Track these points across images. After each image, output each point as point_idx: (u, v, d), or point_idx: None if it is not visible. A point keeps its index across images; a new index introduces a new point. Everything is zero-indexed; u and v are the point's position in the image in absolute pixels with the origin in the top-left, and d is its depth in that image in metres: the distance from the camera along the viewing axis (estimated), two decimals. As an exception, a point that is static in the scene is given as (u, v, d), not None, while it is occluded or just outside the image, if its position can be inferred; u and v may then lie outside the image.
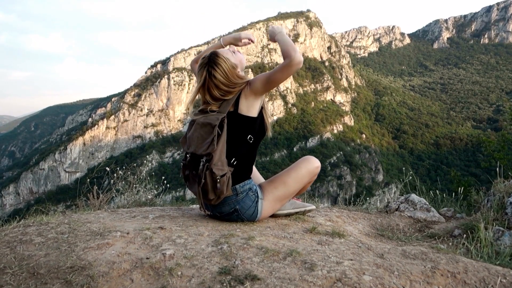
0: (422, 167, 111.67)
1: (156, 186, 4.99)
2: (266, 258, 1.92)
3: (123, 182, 3.87)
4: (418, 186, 4.16)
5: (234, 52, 2.66)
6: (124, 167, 4.13)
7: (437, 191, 4.04)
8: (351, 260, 1.91)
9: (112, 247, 2.02)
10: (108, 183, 3.92)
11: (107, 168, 3.91)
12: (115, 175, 3.98)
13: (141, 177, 4.03)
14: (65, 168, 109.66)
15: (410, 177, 4.13)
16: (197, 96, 2.64)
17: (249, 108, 2.52)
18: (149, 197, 3.95)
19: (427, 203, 3.39)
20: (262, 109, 2.62)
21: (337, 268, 1.78)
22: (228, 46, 2.91)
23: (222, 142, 2.41)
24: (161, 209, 3.07)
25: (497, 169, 3.38)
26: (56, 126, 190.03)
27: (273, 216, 2.81)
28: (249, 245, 2.08)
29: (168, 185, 4.68)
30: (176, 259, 1.89)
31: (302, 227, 2.59)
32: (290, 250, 2.01)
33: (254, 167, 3.06)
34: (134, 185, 3.90)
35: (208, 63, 2.51)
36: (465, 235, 2.53)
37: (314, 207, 2.98)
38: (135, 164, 4.29)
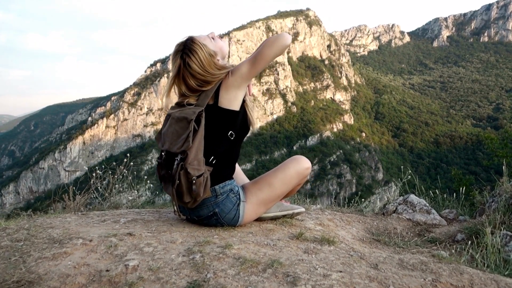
0: (422, 166, 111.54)
1: (150, 186, 4.74)
2: (243, 270, 1.68)
3: (104, 183, 3.62)
4: (417, 186, 3.92)
5: (213, 39, 2.40)
6: (120, 166, 3.86)
7: (437, 190, 3.80)
8: (341, 272, 1.66)
9: (70, 257, 1.77)
10: (107, 183, 3.69)
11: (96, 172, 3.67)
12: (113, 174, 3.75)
13: (120, 178, 3.77)
14: (65, 167, 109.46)
15: (409, 176, 3.89)
16: (173, 88, 2.38)
17: (231, 101, 2.27)
18: (130, 198, 3.69)
19: (427, 204, 3.13)
20: (244, 102, 2.38)
21: (324, 283, 1.53)
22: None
23: (199, 139, 2.17)
24: (137, 212, 2.82)
25: (503, 167, 3.12)
26: (56, 125, 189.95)
27: (258, 220, 2.56)
28: (225, 254, 1.83)
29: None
30: (140, 272, 1.65)
31: (289, 232, 2.33)
32: (271, 260, 1.77)
33: (237, 166, 2.82)
34: (114, 186, 3.65)
35: (183, 50, 2.26)
36: (469, 241, 2.29)
37: (303, 209, 2.72)
38: (131, 162, 4.01)
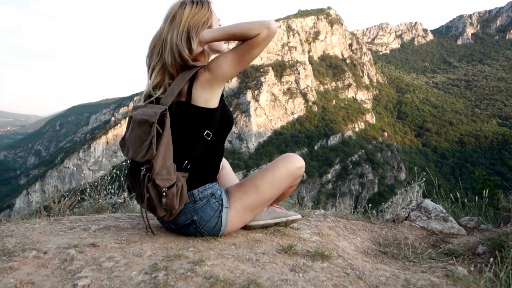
0: (446, 166, 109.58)
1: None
2: (213, 293, 1.38)
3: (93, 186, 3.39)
4: (435, 188, 3.56)
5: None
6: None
7: (457, 193, 3.44)
8: (331, 297, 1.36)
9: (14, 273, 1.52)
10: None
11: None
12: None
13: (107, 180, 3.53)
14: (89, 166, 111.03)
15: (424, 179, 3.54)
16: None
17: (208, 98, 1.96)
18: (119, 201, 3.44)
19: (444, 210, 2.77)
20: (221, 96, 2.06)
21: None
22: None
23: (165, 144, 1.84)
24: (116, 218, 2.55)
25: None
26: (80, 125, 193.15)
27: (246, 228, 2.26)
28: (194, 272, 1.55)
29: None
30: (89, 294, 1.38)
31: (278, 244, 2.02)
32: (248, 280, 1.48)
33: (226, 166, 2.52)
34: (104, 188, 3.41)
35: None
36: (492, 254, 1.96)
37: (299, 216, 2.39)
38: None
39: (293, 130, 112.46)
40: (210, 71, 1.92)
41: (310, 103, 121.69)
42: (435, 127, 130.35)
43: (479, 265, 1.88)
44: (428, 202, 2.84)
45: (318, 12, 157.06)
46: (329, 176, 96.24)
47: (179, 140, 1.95)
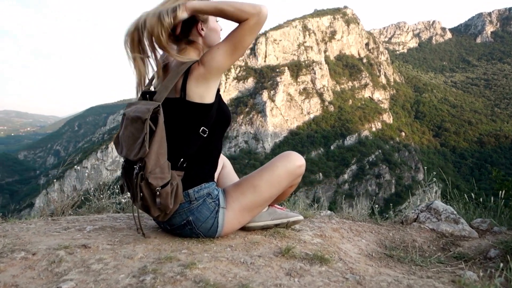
0: (465, 166, 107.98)
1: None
2: (201, 298, 1.33)
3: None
4: (449, 188, 3.44)
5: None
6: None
7: (472, 194, 3.31)
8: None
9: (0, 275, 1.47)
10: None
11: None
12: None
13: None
14: (107, 166, 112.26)
15: (434, 179, 3.41)
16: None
17: (203, 94, 1.88)
18: (123, 200, 3.39)
19: (455, 212, 2.65)
20: (218, 92, 1.99)
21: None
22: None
23: (159, 142, 1.77)
24: (114, 218, 2.50)
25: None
26: (98, 125, 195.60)
27: (245, 229, 2.19)
28: (184, 276, 1.47)
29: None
30: (72, 298, 1.34)
31: (276, 246, 1.93)
32: (240, 285, 1.40)
33: (226, 164, 2.45)
34: (107, 188, 3.37)
35: None
36: (504, 258, 1.85)
37: (301, 217, 2.30)
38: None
39: (309, 130, 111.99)
40: (204, 64, 1.85)
41: (326, 103, 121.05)
42: (454, 127, 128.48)
43: (490, 270, 1.78)
44: (438, 203, 2.73)
45: (334, 12, 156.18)
46: (346, 176, 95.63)
47: (174, 138, 1.89)
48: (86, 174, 3.30)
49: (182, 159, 1.92)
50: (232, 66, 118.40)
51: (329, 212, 3.07)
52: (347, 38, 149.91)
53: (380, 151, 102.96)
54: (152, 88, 2.04)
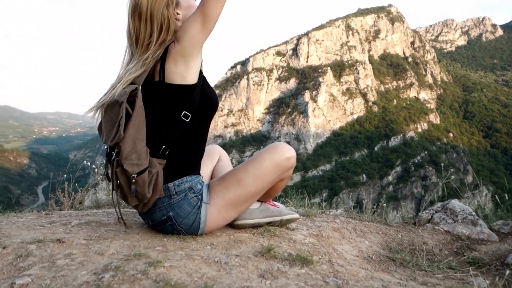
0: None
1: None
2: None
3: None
4: (479, 187, 3.16)
5: None
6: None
7: (506, 194, 3.01)
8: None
9: (-37, 269, 1.40)
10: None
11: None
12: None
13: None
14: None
15: (453, 176, 3.13)
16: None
17: (184, 73, 1.75)
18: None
19: (473, 212, 2.38)
20: (201, 74, 1.85)
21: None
22: None
23: (136, 126, 1.67)
24: (107, 213, 2.43)
25: None
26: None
27: (235, 227, 2.03)
28: (146, 274, 1.37)
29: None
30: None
31: (261, 245, 1.78)
32: (203, 287, 1.31)
33: (225, 158, 2.31)
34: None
35: None
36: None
37: (296, 215, 2.14)
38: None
39: (352, 131, 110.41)
40: (178, 41, 1.73)
41: (370, 103, 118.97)
42: (505, 128, 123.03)
43: (506, 277, 1.54)
44: (455, 203, 2.46)
45: (378, 10, 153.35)
46: (390, 178, 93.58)
47: (155, 123, 1.78)
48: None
49: (164, 146, 1.81)
50: (274, 67, 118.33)
51: (339, 211, 2.87)
52: (391, 37, 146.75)
53: (426, 152, 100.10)
54: None
